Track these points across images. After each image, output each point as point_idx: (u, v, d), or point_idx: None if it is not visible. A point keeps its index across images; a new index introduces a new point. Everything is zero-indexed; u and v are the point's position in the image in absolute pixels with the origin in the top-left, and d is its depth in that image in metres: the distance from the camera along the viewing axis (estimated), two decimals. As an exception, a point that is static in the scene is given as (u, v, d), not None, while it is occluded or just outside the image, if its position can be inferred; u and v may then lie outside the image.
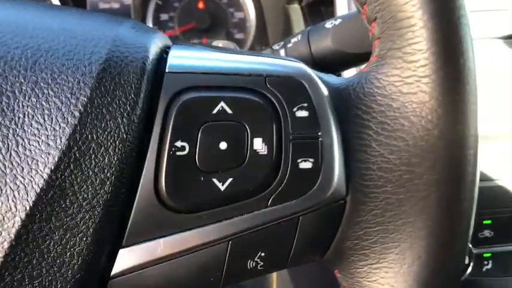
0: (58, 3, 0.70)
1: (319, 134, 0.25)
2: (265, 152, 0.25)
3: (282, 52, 0.44)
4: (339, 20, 0.43)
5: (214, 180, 0.24)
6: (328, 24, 0.43)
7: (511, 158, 0.55)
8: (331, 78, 0.29)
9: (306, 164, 0.25)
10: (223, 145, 0.24)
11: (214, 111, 0.24)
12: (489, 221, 0.57)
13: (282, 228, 0.25)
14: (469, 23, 0.26)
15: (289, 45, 0.44)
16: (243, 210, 0.25)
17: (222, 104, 0.24)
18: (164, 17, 0.76)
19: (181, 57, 0.26)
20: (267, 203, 0.25)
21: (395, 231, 0.26)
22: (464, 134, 0.25)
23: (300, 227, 0.25)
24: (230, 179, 0.24)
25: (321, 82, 0.27)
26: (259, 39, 0.80)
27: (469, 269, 0.55)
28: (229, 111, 0.24)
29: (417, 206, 0.26)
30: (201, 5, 0.78)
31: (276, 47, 0.45)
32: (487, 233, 0.57)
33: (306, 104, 0.25)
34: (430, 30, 0.25)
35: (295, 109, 0.25)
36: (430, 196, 0.25)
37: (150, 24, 0.74)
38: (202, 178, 0.24)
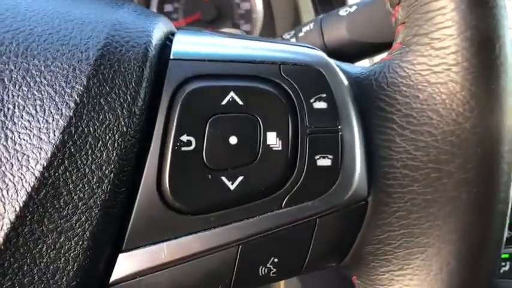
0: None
1: (339, 127, 0.23)
2: (280, 148, 0.22)
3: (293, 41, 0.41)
4: (354, 7, 0.41)
5: (223, 178, 0.22)
6: (343, 12, 0.41)
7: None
8: (350, 67, 0.26)
9: (324, 161, 0.23)
10: (233, 140, 0.22)
11: (224, 102, 0.22)
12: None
13: (298, 231, 0.23)
14: (506, 5, 0.23)
15: (301, 34, 0.42)
16: (254, 212, 0.22)
17: (232, 94, 0.22)
18: (168, 8, 0.74)
19: (188, 43, 0.24)
20: (281, 204, 0.22)
21: (422, 235, 0.24)
22: (499, 129, 0.23)
23: (317, 230, 0.23)
24: (241, 178, 0.22)
25: (340, 71, 0.24)
26: (266, 30, 0.78)
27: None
28: (240, 102, 0.22)
29: (446, 207, 0.23)
30: (206, -4, 0.75)
31: (286, 36, 0.42)
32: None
33: (324, 95, 0.23)
34: (462, 13, 0.23)
35: (312, 100, 0.23)
36: (461, 197, 0.23)
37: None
38: (210, 176, 0.22)
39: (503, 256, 0.55)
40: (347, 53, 0.41)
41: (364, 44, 0.40)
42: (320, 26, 0.41)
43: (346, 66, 0.26)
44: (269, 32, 0.78)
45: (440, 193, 0.23)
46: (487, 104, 0.23)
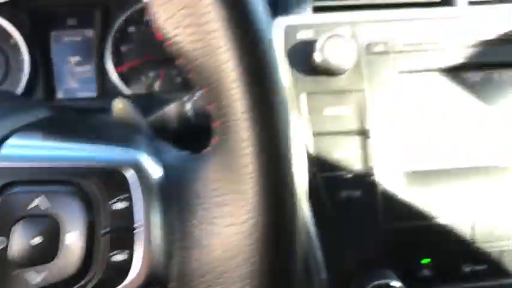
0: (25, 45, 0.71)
1: (135, 226, 0.26)
2: (78, 246, 0.25)
3: (189, 105, 0.44)
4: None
5: (28, 274, 0.25)
6: None
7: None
8: (172, 155, 0.29)
9: (119, 256, 0.25)
10: (37, 240, 0.25)
11: (30, 207, 0.25)
12: (428, 260, 0.55)
13: None
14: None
15: (197, 95, 0.44)
16: None
17: (39, 198, 0.25)
18: (123, 49, 0.77)
19: (14, 147, 0.27)
20: None
21: None
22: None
23: None
24: (44, 273, 0.25)
25: (154, 166, 0.27)
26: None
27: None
28: (44, 206, 0.25)
29: None
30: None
31: (185, 99, 0.45)
32: (426, 272, 0.56)
33: (124, 196, 0.26)
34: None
35: (112, 201, 0.26)
36: None
37: (109, 57, 0.76)
38: (14, 273, 0.25)
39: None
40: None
41: None
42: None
43: (169, 154, 0.29)
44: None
45: (228, 285, 0.26)
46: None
